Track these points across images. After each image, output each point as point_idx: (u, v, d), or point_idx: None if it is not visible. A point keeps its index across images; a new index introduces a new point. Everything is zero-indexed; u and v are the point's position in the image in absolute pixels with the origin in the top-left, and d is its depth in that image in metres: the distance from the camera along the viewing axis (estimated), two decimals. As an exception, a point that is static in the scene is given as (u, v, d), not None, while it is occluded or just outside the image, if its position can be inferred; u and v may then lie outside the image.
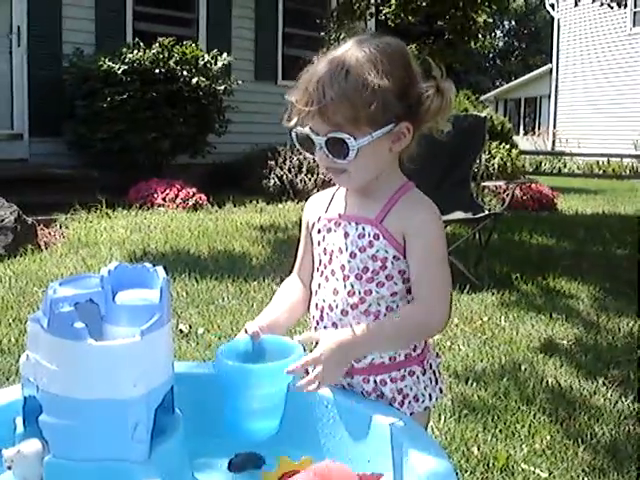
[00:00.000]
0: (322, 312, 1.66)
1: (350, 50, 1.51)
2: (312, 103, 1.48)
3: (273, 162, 10.72)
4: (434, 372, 1.69)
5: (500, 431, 3.07)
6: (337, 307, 1.62)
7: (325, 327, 1.65)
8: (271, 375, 1.45)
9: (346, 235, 1.61)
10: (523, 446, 2.95)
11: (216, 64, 10.30)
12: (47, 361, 1.33)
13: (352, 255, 1.59)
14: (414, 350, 1.64)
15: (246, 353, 1.54)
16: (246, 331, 1.58)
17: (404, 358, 1.62)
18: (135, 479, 1.26)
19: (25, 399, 1.39)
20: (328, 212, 1.69)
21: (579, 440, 3.04)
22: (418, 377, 1.63)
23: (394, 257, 1.57)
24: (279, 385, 1.47)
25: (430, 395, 1.65)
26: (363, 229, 1.59)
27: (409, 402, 1.61)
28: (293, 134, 1.57)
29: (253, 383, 1.44)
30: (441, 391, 1.70)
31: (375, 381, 1.61)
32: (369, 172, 1.57)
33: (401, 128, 1.53)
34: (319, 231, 1.69)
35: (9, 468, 1.30)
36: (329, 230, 1.66)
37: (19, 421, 1.40)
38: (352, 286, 1.60)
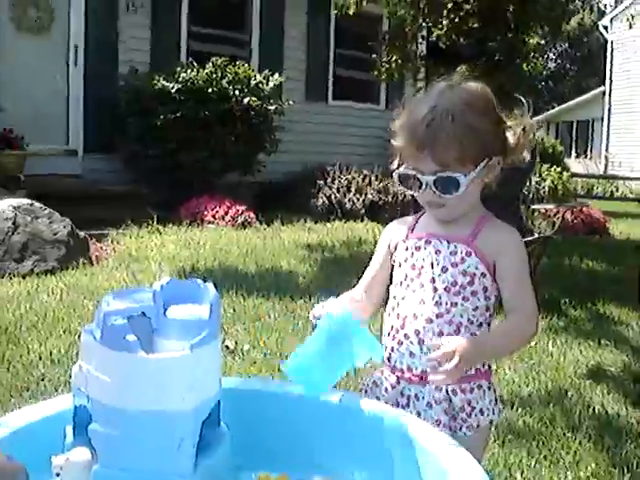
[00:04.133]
0: (404, 321, 1.77)
1: (446, 94, 1.69)
2: (423, 147, 1.65)
3: (322, 181, 10.77)
4: (495, 391, 1.81)
5: (545, 457, 3.04)
6: (422, 315, 1.74)
7: (406, 334, 1.76)
8: (368, 341, 1.51)
9: (437, 252, 1.76)
10: (568, 473, 2.91)
11: (268, 84, 10.40)
12: (99, 372, 1.36)
13: (444, 269, 1.73)
14: (483, 366, 1.77)
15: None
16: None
17: (474, 372, 1.74)
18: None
19: (76, 408, 1.42)
20: (414, 232, 1.84)
21: (624, 469, 2.98)
22: (485, 392, 1.76)
23: (482, 274, 1.72)
24: (367, 354, 1.52)
25: (494, 410, 1.77)
26: (455, 247, 1.74)
27: (476, 414, 1.73)
28: (395, 175, 1.74)
29: (353, 336, 1.50)
30: (499, 414, 1.81)
31: (447, 390, 1.72)
32: (467, 204, 1.74)
33: (495, 162, 1.71)
34: (407, 249, 1.81)
35: (57, 475, 1.32)
36: (418, 248, 1.79)
37: (69, 430, 1.43)
38: (440, 297, 1.73)
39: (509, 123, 1.74)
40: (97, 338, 1.36)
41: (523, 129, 1.75)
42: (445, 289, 1.72)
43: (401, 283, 1.81)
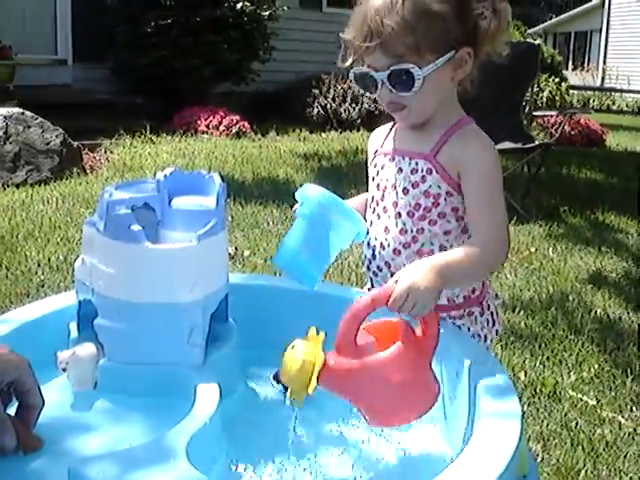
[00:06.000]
0: (374, 251, 1.62)
1: None
2: (371, 37, 1.44)
3: (317, 91, 10.58)
4: (492, 313, 1.65)
5: (547, 359, 3.05)
6: (389, 246, 1.58)
7: (378, 267, 1.61)
8: (349, 217, 1.41)
9: (399, 171, 1.57)
10: (571, 374, 2.92)
11: (261, -12, 10.12)
12: (103, 264, 1.31)
13: (405, 191, 1.54)
14: (472, 292, 1.60)
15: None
16: None
17: (462, 300, 1.59)
18: (190, 383, 1.24)
19: (80, 303, 1.38)
20: (384, 146, 1.65)
21: (627, 370, 3.01)
22: (476, 318, 1.60)
23: (447, 193, 1.51)
24: (352, 230, 1.43)
25: (486, 336, 1.62)
26: (416, 164, 1.54)
27: None
28: (351, 75, 1.52)
29: (334, 215, 1.40)
30: (497, 333, 1.66)
31: None
32: (431, 104, 1.52)
33: (463, 54, 1.48)
34: (375, 165, 1.65)
35: (64, 370, 1.29)
36: (383, 166, 1.61)
37: (73, 326, 1.39)
38: (404, 224, 1.55)
39: (476, 6, 1.49)
40: (100, 229, 1.31)
41: (494, 11, 1.49)
42: (408, 214, 1.54)
43: (370, 205, 1.66)
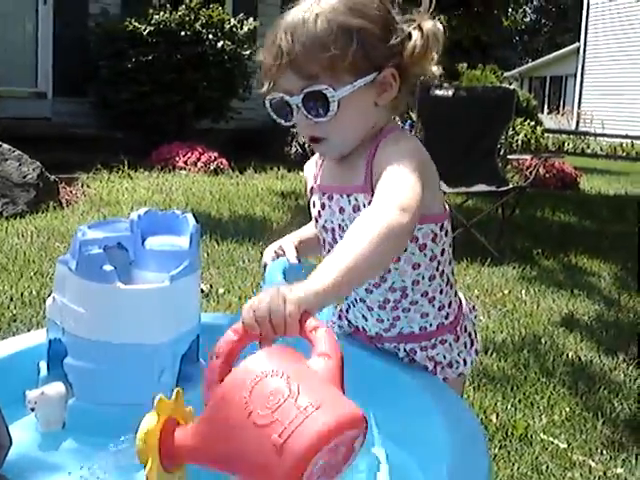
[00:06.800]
0: (346, 298, 1.55)
1: None
2: (282, 56, 1.31)
3: (295, 130, 10.64)
4: (469, 334, 1.59)
5: (519, 401, 3.06)
6: (358, 289, 1.49)
7: (353, 302, 1.53)
8: None
9: (341, 210, 1.45)
10: (542, 417, 2.93)
11: (242, 28, 10.24)
12: (74, 304, 1.31)
13: None
14: (446, 318, 1.52)
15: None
16: (281, 251, 1.56)
17: (435, 328, 1.52)
18: (159, 425, 1.23)
19: (50, 342, 1.38)
20: (318, 181, 1.54)
21: (599, 414, 3.02)
22: (451, 344, 1.53)
23: None
24: None
25: (465, 360, 1.55)
26: (356, 200, 1.41)
27: (442, 368, 1.51)
28: (267, 102, 1.38)
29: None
30: (477, 352, 1.60)
31: (405, 349, 1.51)
32: (351, 133, 1.40)
33: (386, 76, 1.36)
34: (314, 204, 1.53)
35: (32, 410, 1.28)
36: (323, 206, 1.49)
37: (43, 365, 1.39)
38: None
39: (401, 25, 1.37)
40: (72, 268, 1.32)
41: (420, 30, 1.36)
42: None
43: (324, 248, 1.54)
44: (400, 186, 1.26)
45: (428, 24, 1.38)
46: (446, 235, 1.48)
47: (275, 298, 1.04)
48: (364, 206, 1.38)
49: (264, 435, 0.86)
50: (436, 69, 1.42)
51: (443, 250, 1.48)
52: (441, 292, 1.51)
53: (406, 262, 1.43)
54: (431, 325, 1.51)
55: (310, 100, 1.33)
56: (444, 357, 1.52)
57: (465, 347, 1.57)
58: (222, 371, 0.99)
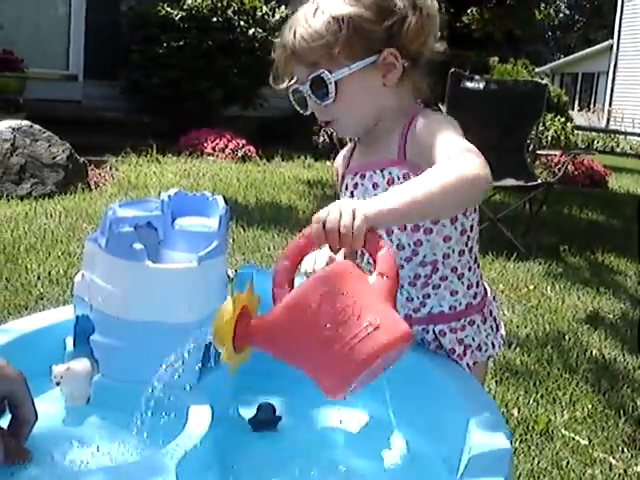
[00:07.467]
0: None
1: None
2: (286, 49, 1.46)
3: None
4: (494, 319, 1.62)
5: (541, 396, 3.05)
6: None
7: None
8: None
9: (375, 186, 1.49)
10: (564, 412, 2.92)
11: (274, 16, 10.22)
12: (103, 281, 1.32)
13: None
14: (474, 298, 1.55)
15: None
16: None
17: (464, 307, 1.53)
18: (183, 404, 1.24)
19: (77, 318, 1.39)
20: (349, 168, 1.60)
21: (621, 412, 3.00)
22: (479, 326, 1.55)
23: None
24: None
25: (493, 343, 1.58)
26: (390, 173, 1.46)
27: (472, 352, 1.52)
28: (290, 95, 1.50)
29: None
30: (502, 337, 1.63)
31: (434, 331, 1.51)
32: (358, 112, 1.48)
33: (386, 57, 1.43)
34: (346, 187, 1.58)
35: (57, 384, 1.29)
36: (356, 185, 1.54)
37: (69, 340, 1.40)
38: (399, 239, 1.48)
39: (395, 5, 1.42)
40: (102, 246, 1.32)
41: (414, 7, 1.42)
42: (400, 228, 1.45)
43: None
44: (460, 140, 1.34)
45: (421, 1, 1.45)
46: (475, 211, 1.53)
47: (345, 212, 1.09)
48: (398, 179, 1.44)
49: (330, 340, 0.99)
50: (439, 45, 1.49)
51: (472, 226, 1.53)
52: (469, 269, 1.54)
53: (438, 234, 1.47)
54: (460, 304, 1.53)
55: (314, 85, 1.44)
56: (473, 339, 1.53)
57: (492, 330, 1.60)
58: (289, 272, 1.09)
